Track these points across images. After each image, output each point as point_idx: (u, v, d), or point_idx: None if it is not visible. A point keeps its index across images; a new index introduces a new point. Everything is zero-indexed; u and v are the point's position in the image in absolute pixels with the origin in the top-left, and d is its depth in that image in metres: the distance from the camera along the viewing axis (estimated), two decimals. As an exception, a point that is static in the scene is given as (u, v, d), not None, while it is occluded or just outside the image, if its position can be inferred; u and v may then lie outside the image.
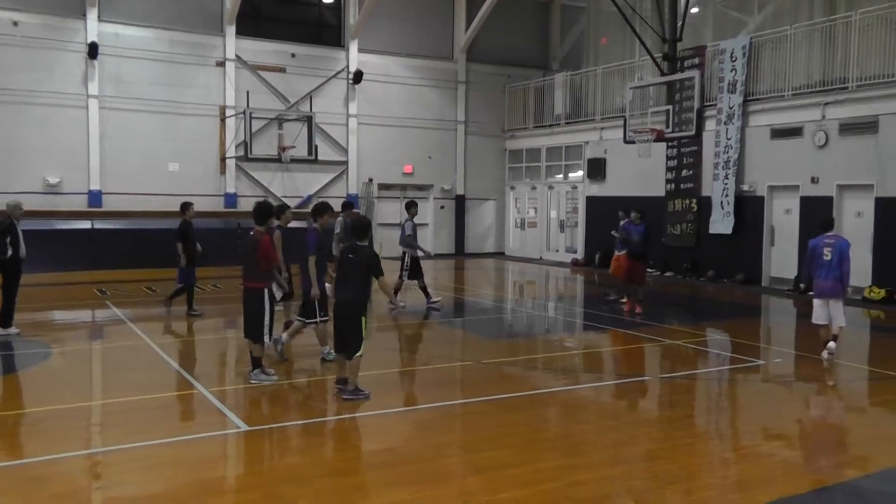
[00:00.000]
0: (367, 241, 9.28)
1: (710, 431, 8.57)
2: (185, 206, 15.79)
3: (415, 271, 16.45)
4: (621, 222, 16.73)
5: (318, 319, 10.95)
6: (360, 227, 9.33)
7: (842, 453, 7.56)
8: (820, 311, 11.80)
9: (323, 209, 11.16)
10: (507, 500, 6.03)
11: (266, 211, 10.24)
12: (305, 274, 10.93)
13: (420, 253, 16.50)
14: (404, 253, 16.49)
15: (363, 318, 9.08)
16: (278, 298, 11.34)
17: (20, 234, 13.15)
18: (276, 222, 11.50)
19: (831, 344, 11.67)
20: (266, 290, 9.86)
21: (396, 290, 15.94)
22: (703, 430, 8.57)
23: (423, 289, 16.58)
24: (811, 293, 12.25)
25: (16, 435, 7.78)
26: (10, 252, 12.90)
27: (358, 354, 9.03)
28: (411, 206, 16.62)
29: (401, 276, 16.45)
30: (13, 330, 13.08)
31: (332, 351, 10.11)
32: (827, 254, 11.62)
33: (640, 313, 15.67)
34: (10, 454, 7.06)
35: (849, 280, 11.82)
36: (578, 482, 6.50)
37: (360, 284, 9.06)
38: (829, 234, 11.94)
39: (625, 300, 16.38)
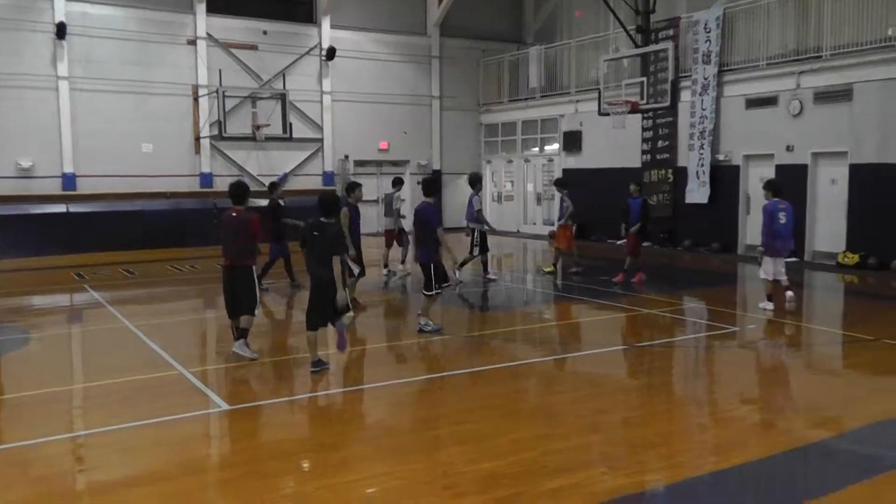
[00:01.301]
0: (334, 218, 9.32)
1: (686, 398, 8.70)
2: (273, 186, 16.25)
3: (484, 245, 16.76)
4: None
5: (437, 291, 11.55)
6: (327, 204, 9.37)
7: (814, 415, 7.68)
8: (772, 267, 13.05)
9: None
10: (486, 470, 6.11)
11: (244, 190, 10.32)
12: (421, 248, 11.54)
13: (486, 227, 16.75)
14: (472, 228, 16.60)
15: (341, 294, 9.15)
16: (354, 277, 12.45)
17: None
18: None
19: (790, 293, 12.89)
20: (253, 267, 10.07)
21: (464, 263, 16.36)
22: (679, 397, 8.70)
23: (485, 263, 17.00)
24: (762, 251, 13.28)
25: (-4, 419, 7.80)
26: None
27: (349, 316, 9.37)
28: (476, 182, 16.65)
29: (471, 252, 16.70)
30: None
31: (430, 322, 11.43)
32: (782, 217, 12.81)
33: (617, 282, 15.89)
34: (-8, 438, 7.08)
35: None
36: (555, 451, 6.59)
37: (328, 260, 9.12)
38: (780, 199, 13.01)
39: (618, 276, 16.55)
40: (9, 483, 6.16)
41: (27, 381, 9.30)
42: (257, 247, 10.33)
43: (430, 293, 11.48)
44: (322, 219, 9.30)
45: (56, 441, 7.18)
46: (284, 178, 26.81)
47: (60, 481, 6.31)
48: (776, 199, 12.94)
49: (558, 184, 18.61)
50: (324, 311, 9.25)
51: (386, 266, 17.93)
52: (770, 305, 13.03)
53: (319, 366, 9.32)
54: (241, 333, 10.10)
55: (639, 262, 16.44)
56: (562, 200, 17.86)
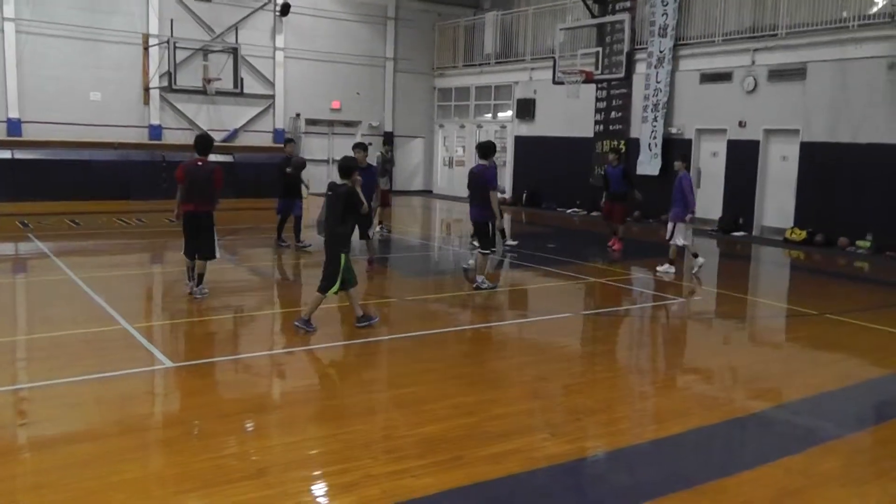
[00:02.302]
0: (349, 181, 9.40)
1: (629, 366, 8.81)
2: (287, 142, 16.50)
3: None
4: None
5: (493, 249, 12.24)
6: (343, 167, 9.55)
7: (754, 386, 7.84)
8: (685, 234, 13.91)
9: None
10: (428, 433, 6.14)
11: (209, 142, 11.19)
12: (477, 207, 11.94)
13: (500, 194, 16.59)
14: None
15: (342, 255, 9.24)
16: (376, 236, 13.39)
17: None
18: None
19: (702, 259, 13.99)
20: (213, 214, 10.87)
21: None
22: (622, 366, 8.82)
23: (502, 230, 16.72)
24: (689, 218, 13.97)
25: (-69, 370, 7.64)
26: None
27: (333, 290, 9.25)
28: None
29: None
30: None
31: (486, 280, 11.99)
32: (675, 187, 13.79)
33: (617, 250, 16.42)
34: (-74, 389, 6.94)
35: None
36: (497, 416, 6.64)
37: (341, 220, 9.31)
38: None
39: (610, 241, 16.83)
40: (-57, 435, 6.06)
41: (-35, 331, 9.13)
42: (218, 195, 10.96)
43: (486, 251, 12.00)
44: (336, 180, 9.57)
45: (-5, 393, 7.08)
46: (234, 133, 26.55)
47: (1, 434, 6.21)
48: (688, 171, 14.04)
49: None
50: (334, 274, 9.24)
51: (381, 223, 17.82)
52: (672, 269, 13.85)
53: (308, 326, 9.30)
54: (198, 280, 10.84)
55: (618, 229, 16.85)
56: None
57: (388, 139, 18.25)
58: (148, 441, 6.20)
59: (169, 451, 5.96)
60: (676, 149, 21.76)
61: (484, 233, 12.00)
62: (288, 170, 15.53)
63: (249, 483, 5.24)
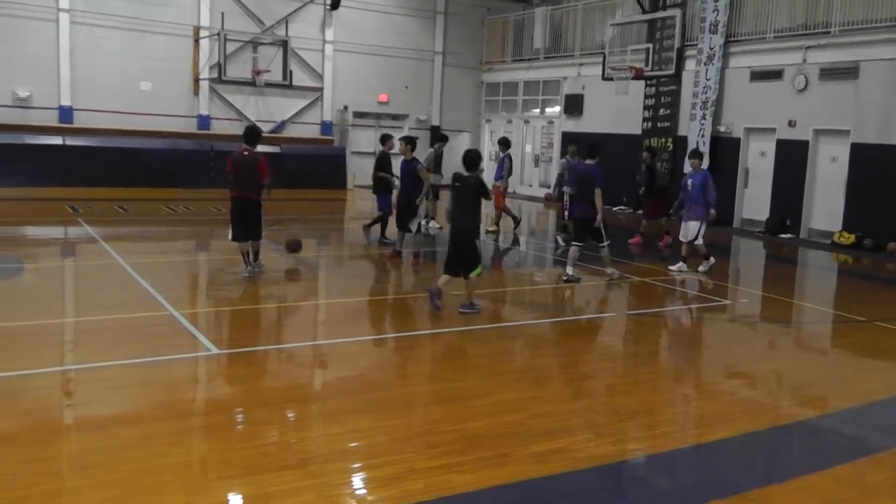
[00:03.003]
0: (476, 171, 10.13)
1: (673, 368, 8.72)
2: (385, 138, 16.18)
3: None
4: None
5: (605, 243, 12.63)
6: (469, 159, 10.17)
7: (801, 393, 7.70)
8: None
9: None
10: (469, 430, 6.12)
11: (257, 133, 11.76)
12: (584, 205, 12.45)
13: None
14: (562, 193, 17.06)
15: (476, 241, 10.00)
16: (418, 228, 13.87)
17: None
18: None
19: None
20: (260, 202, 11.53)
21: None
22: (666, 367, 8.73)
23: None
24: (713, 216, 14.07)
25: (-14, 349, 7.79)
26: None
27: (475, 273, 9.94)
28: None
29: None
30: None
31: (616, 271, 12.66)
32: (689, 185, 13.57)
33: (664, 246, 16.46)
34: (-21, 369, 7.07)
35: None
36: (540, 414, 6.60)
37: (470, 210, 10.02)
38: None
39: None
40: (-2, 413, 6.18)
41: (20, 311, 9.29)
42: (262, 185, 11.47)
43: (604, 244, 12.62)
44: (463, 172, 10.11)
45: (46, 374, 7.20)
46: (282, 125, 26.72)
47: (49, 414, 6.32)
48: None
49: (503, 143, 18.69)
50: (459, 260, 9.97)
51: (432, 218, 18.07)
52: (685, 266, 13.74)
53: (472, 307, 10.06)
54: (254, 256, 11.73)
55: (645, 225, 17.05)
56: (503, 160, 18.06)
57: (443, 136, 18.27)
58: (192, 426, 6.27)
59: (213, 436, 6.01)
60: (725, 148, 21.57)
61: (589, 228, 12.48)
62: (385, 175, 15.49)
63: (292, 472, 5.27)
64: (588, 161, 12.81)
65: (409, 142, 13.64)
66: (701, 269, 13.61)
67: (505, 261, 15.82)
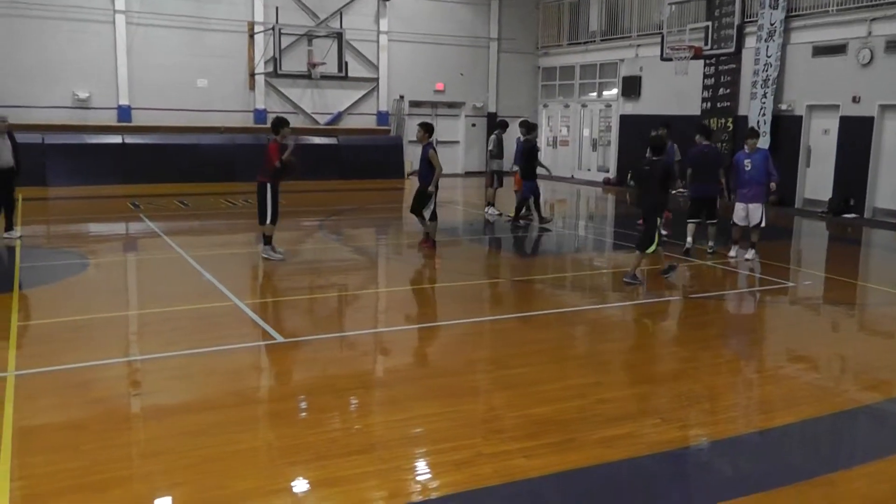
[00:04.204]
0: (661, 156, 11.18)
1: (736, 352, 8.58)
2: (531, 128, 17.22)
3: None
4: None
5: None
6: (658, 146, 11.28)
7: (867, 377, 7.52)
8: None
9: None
10: (536, 415, 6.11)
11: (275, 122, 12.39)
12: (712, 185, 13.45)
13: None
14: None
15: (658, 220, 10.95)
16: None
17: (8, 145, 13.90)
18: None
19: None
20: (269, 184, 12.05)
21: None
22: (729, 352, 8.60)
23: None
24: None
25: (58, 341, 7.97)
26: None
27: (651, 249, 10.92)
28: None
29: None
30: (15, 233, 13.86)
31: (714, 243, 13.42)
32: (748, 164, 13.04)
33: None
34: (53, 359, 7.23)
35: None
36: (605, 400, 6.57)
37: (657, 191, 10.94)
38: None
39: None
40: (69, 403, 6.33)
41: (87, 305, 9.50)
42: (270, 168, 11.96)
43: (715, 220, 13.70)
44: (652, 157, 11.22)
45: (114, 364, 7.38)
46: (338, 116, 26.88)
47: (117, 403, 6.47)
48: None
49: (526, 126, 17.54)
50: (644, 234, 11.11)
51: (492, 204, 18.38)
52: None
53: (634, 279, 11.03)
54: (265, 240, 12.27)
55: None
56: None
57: (503, 122, 18.21)
58: (260, 413, 6.37)
59: (281, 423, 6.10)
60: (786, 126, 21.14)
61: (709, 206, 13.45)
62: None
63: (362, 457, 5.32)
64: (705, 142, 13.68)
65: (425, 127, 13.50)
66: (749, 256, 12.99)
67: (564, 246, 15.71)
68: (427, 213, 13.24)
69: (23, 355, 7.45)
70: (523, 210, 16.76)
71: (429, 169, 12.99)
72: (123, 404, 6.48)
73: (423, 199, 13.17)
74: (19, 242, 13.37)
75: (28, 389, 6.53)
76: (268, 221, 12.11)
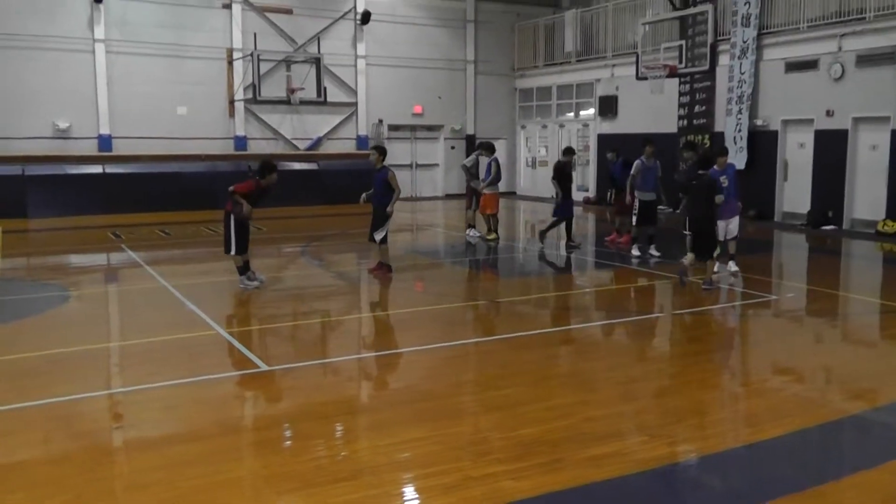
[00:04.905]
0: (707, 170, 12.02)
1: (721, 367, 8.63)
2: (568, 151, 17.07)
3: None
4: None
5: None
6: (705, 159, 12.35)
7: (852, 387, 7.57)
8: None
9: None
10: (523, 436, 6.11)
11: (266, 168, 12.03)
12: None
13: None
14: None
15: (714, 229, 12.03)
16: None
17: None
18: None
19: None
20: (232, 213, 11.69)
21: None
22: (714, 366, 8.63)
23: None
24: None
25: (38, 375, 7.89)
26: None
27: (717, 253, 12.12)
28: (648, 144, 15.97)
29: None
30: None
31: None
32: (724, 181, 12.80)
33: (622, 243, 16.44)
34: (34, 394, 7.16)
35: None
36: (591, 418, 6.57)
37: (706, 203, 11.77)
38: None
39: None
40: (52, 437, 6.26)
41: (69, 337, 9.42)
42: (236, 198, 11.56)
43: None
44: (700, 171, 12.06)
45: (98, 397, 7.31)
46: (318, 141, 26.92)
47: (101, 437, 6.41)
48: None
49: (486, 147, 17.64)
50: (703, 244, 11.88)
51: (471, 226, 18.19)
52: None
53: (711, 284, 11.83)
54: (238, 270, 12.07)
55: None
56: (489, 165, 17.33)
57: (488, 145, 17.69)
58: (247, 442, 6.33)
59: (268, 451, 6.06)
60: (763, 142, 21.33)
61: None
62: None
63: (350, 483, 5.29)
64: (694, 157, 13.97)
65: (379, 150, 13.49)
66: (734, 269, 13.06)
67: (545, 265, 15.75)
68: (378, 237, 13.00)
69: (2, 390, 7.38)
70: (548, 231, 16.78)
71: (386, 191, 12.91)
72: (107, 437, 6.43)
73: (379, 222, 13.06)
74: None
75: (7, 425, 6.48)
76: (232, 251, 11.85)
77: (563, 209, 16.25)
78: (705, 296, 11.41)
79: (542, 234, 16.77)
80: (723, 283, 12.53)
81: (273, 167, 12.07)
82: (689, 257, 12.07)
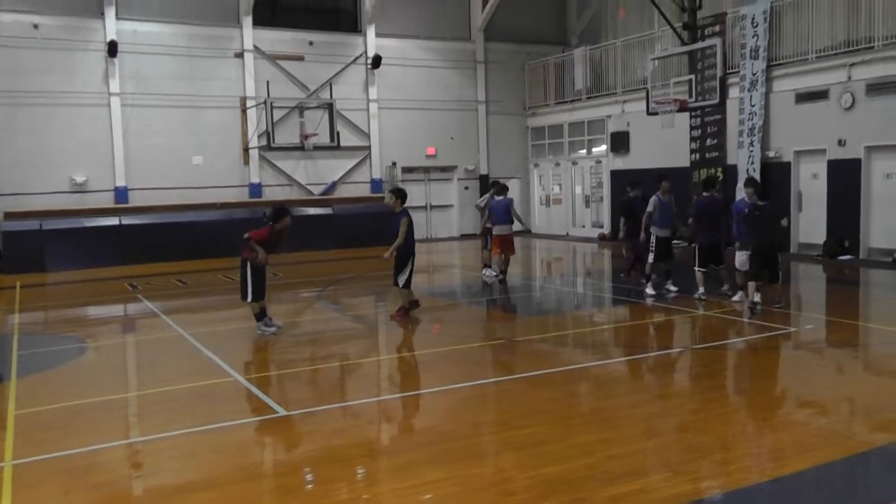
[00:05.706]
0: (768, 201, 13.22)
1: (744, 401, 8.54)
2: (633, 185, 17.02)
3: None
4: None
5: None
6: (759, 187, 13.23)
7: (877, 418, 7.48)
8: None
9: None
10: (545, 476, 6.05)
11: (280, 213, 12.11)
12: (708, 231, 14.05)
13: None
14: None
15: (778, 255, 12.79)
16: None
17: None
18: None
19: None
20: (249, 260, 11.73)
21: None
22: (737, 400, 8.55)
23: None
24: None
25: (58, 427, 7.89)
26: None
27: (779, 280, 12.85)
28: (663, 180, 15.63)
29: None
30: None
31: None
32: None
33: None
34: (53, 446, 7.16)
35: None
36: (614, 456, 6.51)
37: (770, 230, 12.67)
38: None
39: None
40: (70, 489, 6.24)
41: (86, 389, 9.41)
42: (252, 245, 11.69)
43: (723, 265, 14.36)
44: (758, 202, 12.78)
45: (116, 447, 7.29)
46: (332, 186, 27.07)
47: (121, 486, 6.39)
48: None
49: (497, 189, 17.43)
50: (771, 268, 12.61)
51: (487, 266, 17.99)
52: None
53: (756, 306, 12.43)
54: (256, 317, 12.08)
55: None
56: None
57: (501, 186, 17.46)
58: (268, 488, 6.30)
59: (290, 497, 6.03)
60: (776, 173, 21.29)
61: (715, 253, 14.22)
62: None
63: (370, 529, 5.24)
64: (705, 193, 14.39)
65: (396, 193, 13.52)
66: (757, 298, 12.84)
67: (564, 303, 15.70)
68: (401, 281, 13.05)
69: (21, 443, 7.35)
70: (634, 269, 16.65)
71: (405, 237, 12.97)
72: (127, 487, 6.41)
73: (400, 266, 13.08)
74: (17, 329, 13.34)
75: (27, 478, 6.46)
76: (249, 299, 11.89)
77: (639, 245, 15.69)
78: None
79: (646, 276, 15.28)
80: (744, 314, 12.47)
81: (286, 211, 12.17)
82: (746, 290, 12.77)
